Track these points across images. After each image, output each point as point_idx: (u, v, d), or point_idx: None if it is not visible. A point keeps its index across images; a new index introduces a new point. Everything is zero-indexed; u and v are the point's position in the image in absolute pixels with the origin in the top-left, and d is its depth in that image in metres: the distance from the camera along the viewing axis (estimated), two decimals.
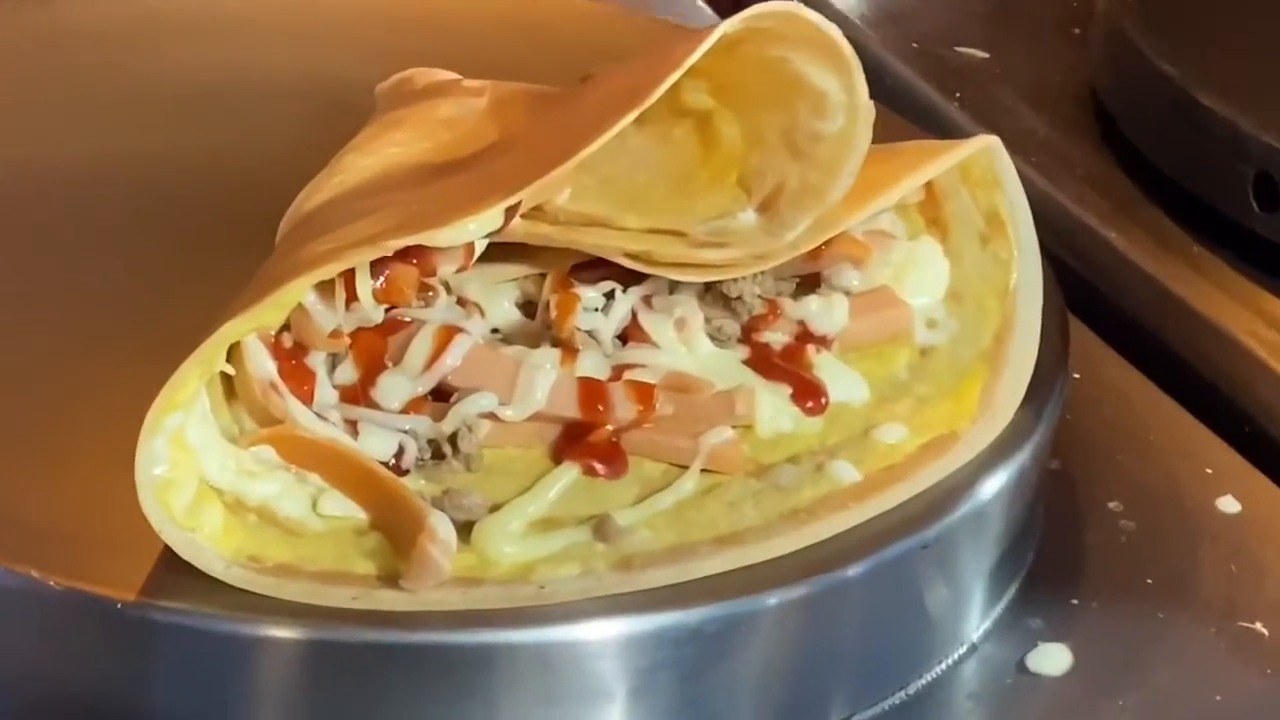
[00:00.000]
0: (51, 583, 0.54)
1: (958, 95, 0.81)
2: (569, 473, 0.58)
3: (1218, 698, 0.61)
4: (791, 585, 0.56)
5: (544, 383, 0.59)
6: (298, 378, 0.58)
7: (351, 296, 0.58)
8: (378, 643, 0.54)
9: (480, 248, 0.59)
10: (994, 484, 0.61)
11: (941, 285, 0.66)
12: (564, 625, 0.55)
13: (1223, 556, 0.66)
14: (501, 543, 0.56)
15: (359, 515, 0.56)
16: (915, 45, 0.83)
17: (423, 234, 0.55)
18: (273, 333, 0.58)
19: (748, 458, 0.60)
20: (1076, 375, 0.67)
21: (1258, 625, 0.63)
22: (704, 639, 0.56)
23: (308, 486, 0.57)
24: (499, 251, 0.61)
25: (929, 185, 0.66)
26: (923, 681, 0.61)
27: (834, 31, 0.59)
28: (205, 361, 0.54)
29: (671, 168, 0.64)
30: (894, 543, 0.58)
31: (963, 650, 0.62)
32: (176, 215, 0.72)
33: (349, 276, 0.57)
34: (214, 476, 0.56)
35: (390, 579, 0.54)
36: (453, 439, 0.59)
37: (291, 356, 0.59)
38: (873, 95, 0.61)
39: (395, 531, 0.55)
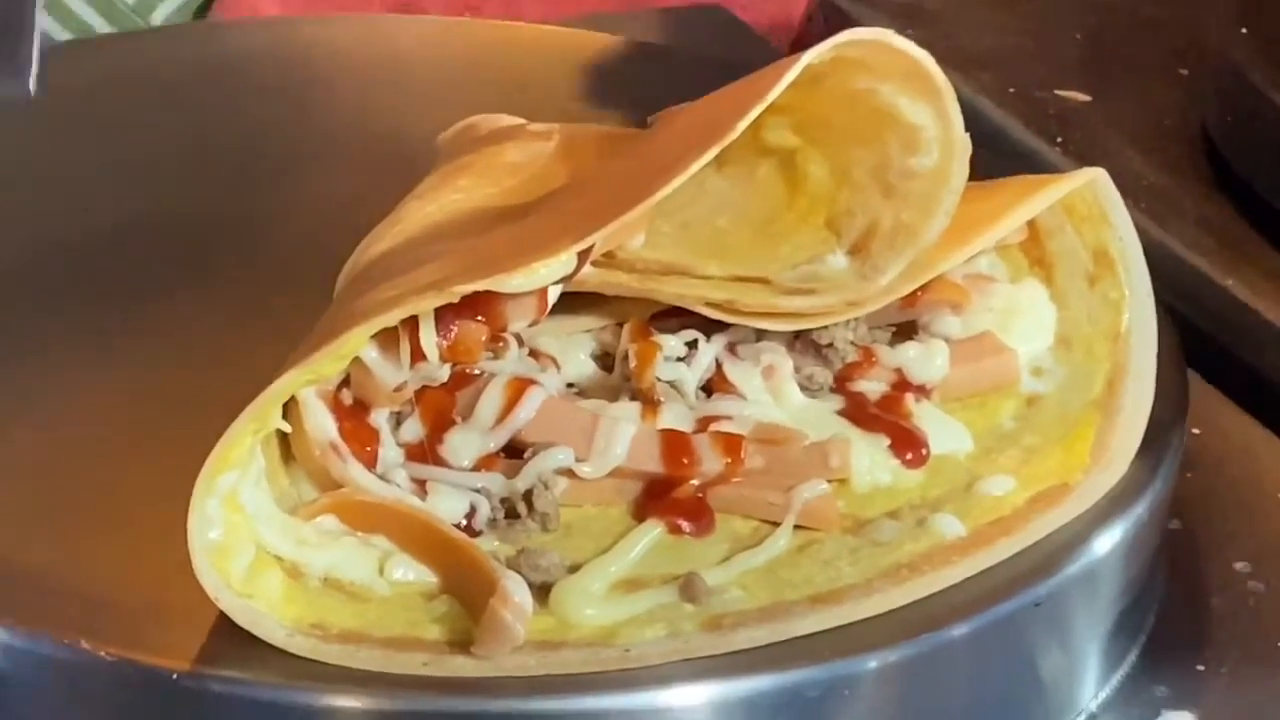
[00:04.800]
0: (103, 654, 0.54)
1: (1059, 140, 0.82)
2: (652, 531, 0.59)
3: None
4: (893, 646, 0.57)
5: (624, 436, 0.60)
6: (359, 437, 0.59)
7: (416, 350, 0.58)
8: (451, 711, 0.54)
9: (553, 297, 0.59)
10: (1109, 539, 0.61)
11: (1048, 330, 0.66)
12: (651, 690, 0.55)
13: None
14: (582, 605, 0.56)
15: (429, 579, 0.57)
16: (1012, 90, 0.84)
17: (491, 278, 0.56)
18: (332, 389, 0.58)
19: (843, 513, 0.60)
20: (1195, 431, 0.67)
21: None
22: (802, 703, 0.56)
23: (373, 550, 0.57)
24: (572, 303, 0.62)
25: (1031, 223, 0.66)
26: None
27: (926, 59, 0.59)
28: (259, 418, 0.55)
29: (754, 210, 0.65)
30: (1002, 601, 0.58)
31: (1080, 718, 0.62)
32: (236, 273, 0.73)
33: (412, 328, 0.57)
34: (272, 545, 0.56)
35: (463, 644, 0.55)
36: (527, 497, 0.59)
37: (352, 415, 0.59)
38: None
39: (467, 595, 0.56)
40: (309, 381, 0.57)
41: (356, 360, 0.58)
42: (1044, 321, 0.67)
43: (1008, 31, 0.88)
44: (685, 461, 0.60)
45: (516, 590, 0.54)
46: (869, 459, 0.61)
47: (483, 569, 0.55)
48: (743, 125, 0.57)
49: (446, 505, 0.58)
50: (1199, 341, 0.73)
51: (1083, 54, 0.88)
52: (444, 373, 0.59)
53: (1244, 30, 0.80)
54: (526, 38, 0.90)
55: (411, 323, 0.57)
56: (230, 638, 0.54)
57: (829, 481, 0.60)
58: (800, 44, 0.93)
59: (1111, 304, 0.66)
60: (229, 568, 0.54)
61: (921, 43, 0.85)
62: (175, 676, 0.54)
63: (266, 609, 0.55)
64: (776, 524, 0.59)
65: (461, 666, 0.54)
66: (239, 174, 0.79)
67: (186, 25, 1.03)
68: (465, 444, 0.60)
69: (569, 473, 0.60)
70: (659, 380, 0.62)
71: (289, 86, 0.87)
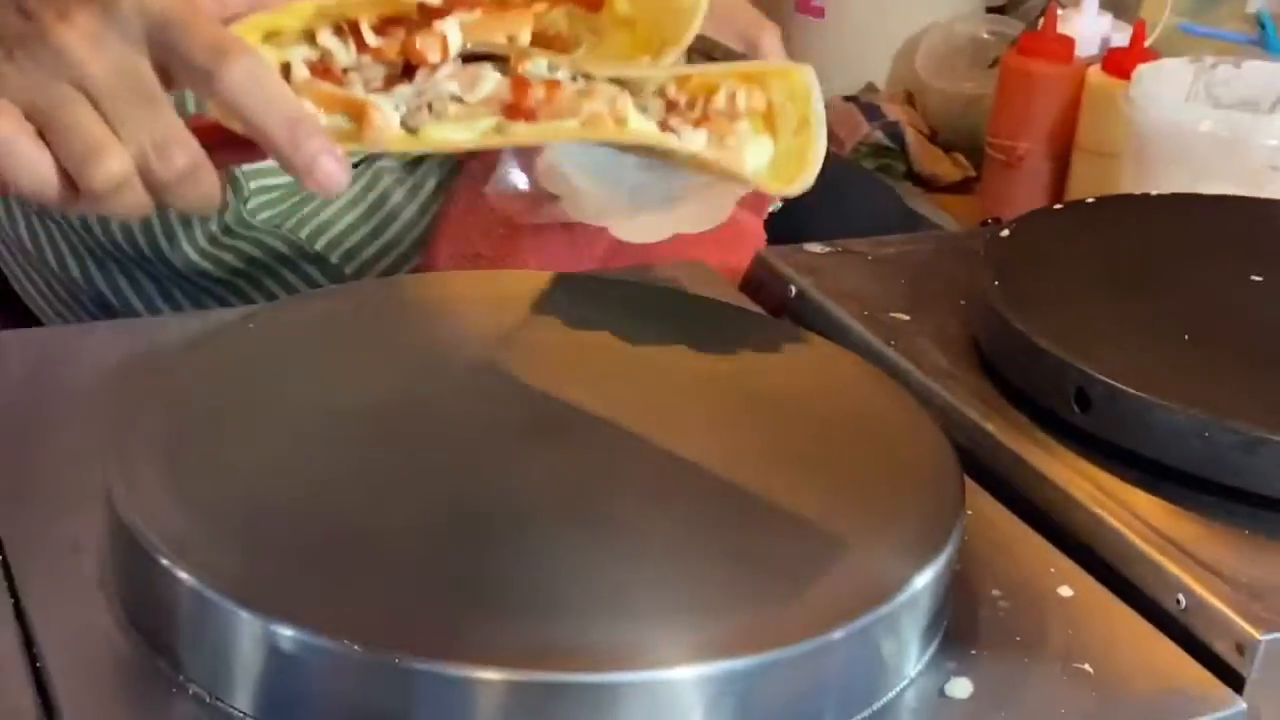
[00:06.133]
0: (356, 646, 0.53)
1: (892, 342, 0.82)
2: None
3: (1062, 711, 0.60)
4: (802, 642, 0.56)
5: (492, 79, 0.59)
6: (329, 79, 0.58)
7: (359, 43, 0.57)
8: (576, 683, 0.53)
9: (454, 43, 0.58)
10: (924, 577, 0.60)
11: (767, 156, 0.66)
12: (664, 670, 0.54)
13: (1062, 624, 0.65)
14: (437, 130, 0.57)
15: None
16: (866, 313, 0.84)
17: None
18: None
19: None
20: (970, 512, 0.67)
21: (1086, 666, 0.62)
22: (757, 674, 0.55)
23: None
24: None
25: (769, 103, 0.67)
26: (882, 701, 0.59)
27: None
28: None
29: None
30: (863, 615, 0.58)
31: (905, 682, 0.60)
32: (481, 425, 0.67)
33: (358, 31, 0.58)
34: None
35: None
36: (429, 105, 0.58)
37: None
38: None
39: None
40: (269, 26, 0.57)
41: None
42: (767, 151, 0.67)
43: (864, 279, 0.89)
44: (525, 92, 0.59)
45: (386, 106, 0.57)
46: (638, 120, 0.62)
47: (368, 104, 0.56)
48: None
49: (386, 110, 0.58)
50: (972, 462, 0.73)
51: (906, 292, 0.88)
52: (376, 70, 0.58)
53: (996, 283, 0.80)
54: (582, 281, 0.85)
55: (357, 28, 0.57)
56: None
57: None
58: (747, 283, 0.92)
59: (802, 143, 0.66)
60: None
61: (817, 286, 0.86)
62: (397, 660, 0.52)
63: None
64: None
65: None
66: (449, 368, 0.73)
67: (401, 276, 1.00)
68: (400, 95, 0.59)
69: (458, 100, 0.58)
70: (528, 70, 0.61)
71: (464, 307, 0.81)
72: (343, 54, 0.57)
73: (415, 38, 0.56)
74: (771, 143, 0.66)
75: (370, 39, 0.56)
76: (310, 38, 0.58)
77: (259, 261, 0.97)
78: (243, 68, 0.53)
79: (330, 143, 0.55)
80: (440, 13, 0.58)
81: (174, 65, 0.53)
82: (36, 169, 0.51)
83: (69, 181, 0.51)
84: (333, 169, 0.55)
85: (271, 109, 0.53)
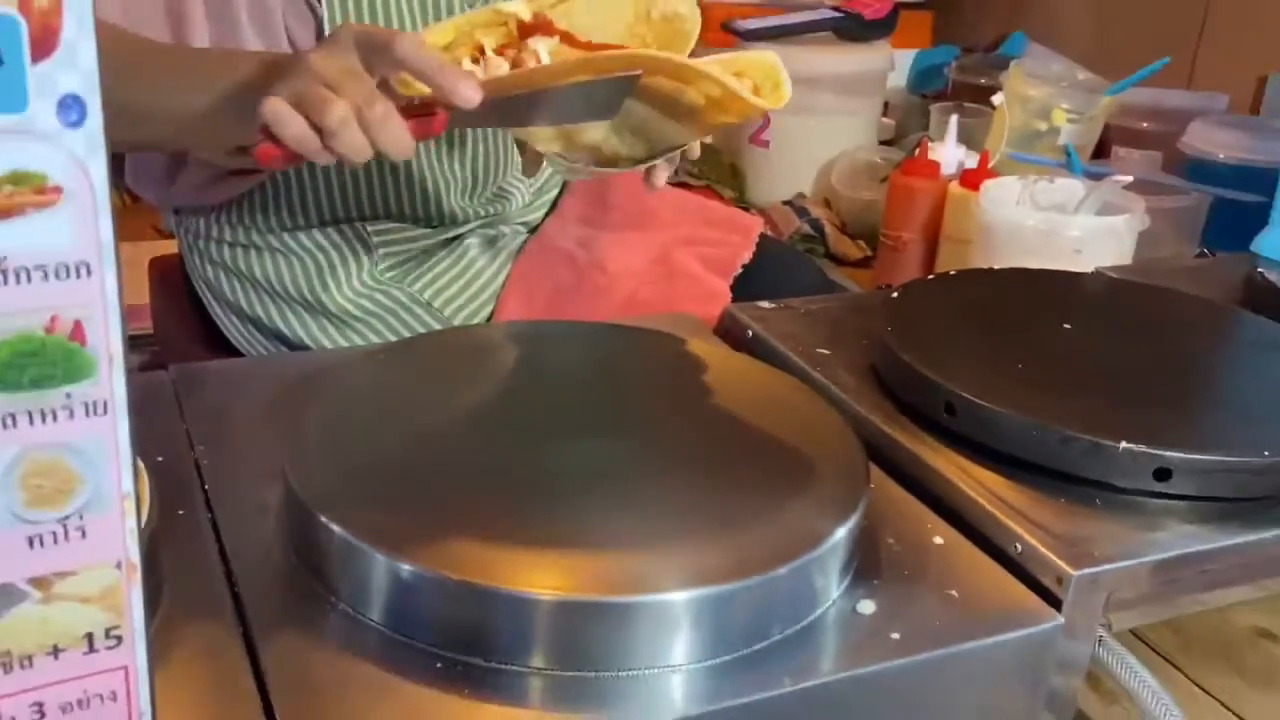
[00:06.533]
0: (445, 573, 0.53)
1: (818, 369, 0.81)
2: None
3: (936, 622, 0.60)
4: (758, 576, 0.55)
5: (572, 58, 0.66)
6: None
7: (482, 58, 0.65)
8: (601, 602, 0.53)
9: (545, 58, 0.65)
10: (842, 532, 0.60)
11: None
12: (663, 594, 0.54)
13: (936, 562, 0.65)
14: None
15: None
16: (800, 349, 0.83)
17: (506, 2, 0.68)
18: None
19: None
20: (873, 487, 0.66)
21: (953, 592, 0.62)
22: (727, 597, 0.55)
23: None
24: None
25: (754, 85, 0.70)
26: (813, 616, 0.59)
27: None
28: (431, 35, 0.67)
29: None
30: (800, 556, 0.57)
31: (829, 603, 0.60)
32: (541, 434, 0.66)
33: (483, 50, 0.67)
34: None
35: None
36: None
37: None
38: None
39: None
40: (433, 40, 0.66)
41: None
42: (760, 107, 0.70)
43: (799, 326, 0.87)
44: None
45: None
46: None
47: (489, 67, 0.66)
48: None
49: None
50: (874, 452, 0.72)
51: (827, 334, 0.87)
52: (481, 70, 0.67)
53: (889, 328, 0.80)
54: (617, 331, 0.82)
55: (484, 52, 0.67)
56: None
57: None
58: (718, 329, 0.91)
59: (777, 96, 0.70)
60: None
61: (767, 331, 0.84)
62: (477, 585, 0.53)
63: None
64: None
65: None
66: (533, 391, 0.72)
67: (481, 325, 0.98)
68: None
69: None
70: None
71: (524, 345, 0.79)
72: (478, 72, 0.65)
73: (519, 56, 0.61)
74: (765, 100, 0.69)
75: (492, 58, 0.62)
76: (457, 63, 0.67)
77: (387, 306, 0.99)
78: (408, 40, 0.64)
79: (467, 76, 0.64)
80: (531, 29, 0.64)
81: (371, 57, 0.64)
82: (297, 127, 0.62)
83: (317, 133, 0.62)
84: (469, 89, 0.62)
85: (429, 61, 0.63)
